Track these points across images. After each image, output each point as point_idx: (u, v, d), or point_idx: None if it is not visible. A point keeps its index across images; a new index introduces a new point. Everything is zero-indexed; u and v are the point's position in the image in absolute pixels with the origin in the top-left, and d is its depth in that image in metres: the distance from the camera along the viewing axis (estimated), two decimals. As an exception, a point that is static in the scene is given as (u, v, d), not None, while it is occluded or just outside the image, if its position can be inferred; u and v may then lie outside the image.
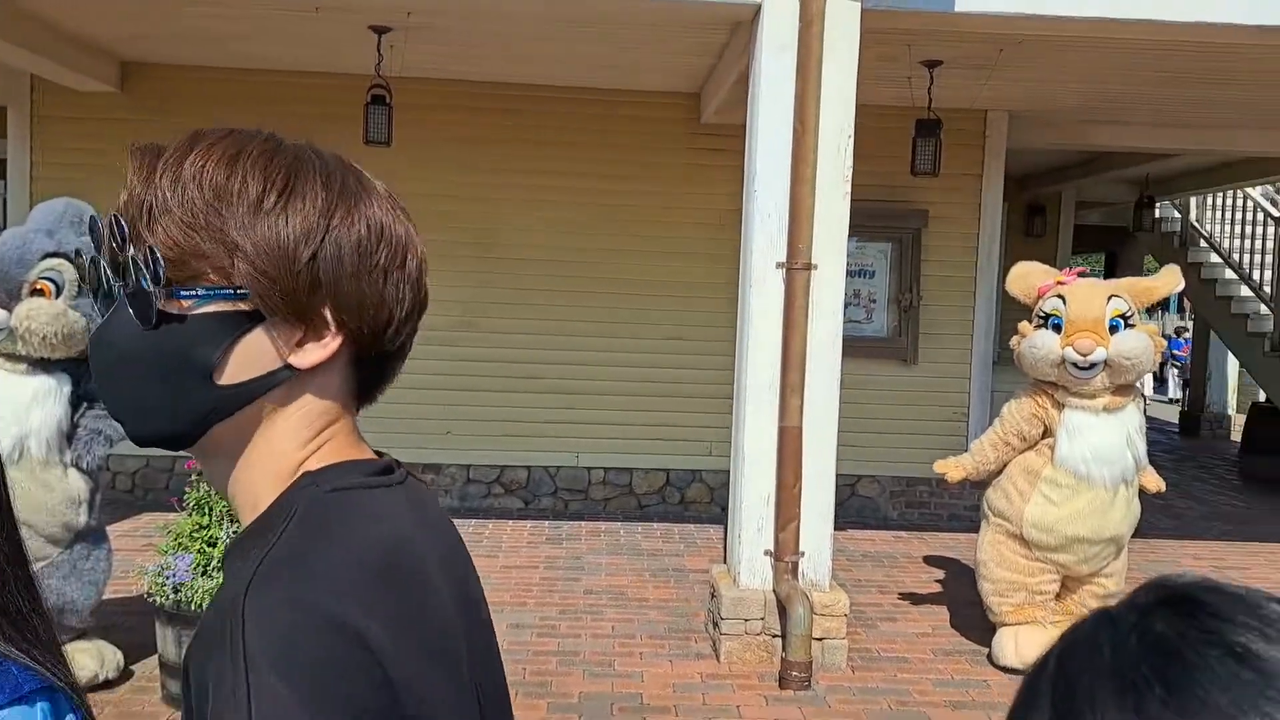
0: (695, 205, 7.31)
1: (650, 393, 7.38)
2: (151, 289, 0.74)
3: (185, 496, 4.02)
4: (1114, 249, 15.30)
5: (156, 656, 4.00)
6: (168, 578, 3.80)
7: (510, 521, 7.10)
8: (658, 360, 7.36)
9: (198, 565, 3.81)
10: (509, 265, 7.35)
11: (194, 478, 4.02)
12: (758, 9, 4.57)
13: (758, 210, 4.59)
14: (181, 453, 0.85)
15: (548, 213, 7.36)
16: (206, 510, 3.93)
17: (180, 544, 3.90)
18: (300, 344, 0.78)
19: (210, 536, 3.87)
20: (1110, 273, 15.22)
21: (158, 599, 3.83)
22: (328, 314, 0.78)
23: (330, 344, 0.79)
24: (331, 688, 0.69)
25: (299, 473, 0.80)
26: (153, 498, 7.13)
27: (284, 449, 0.80)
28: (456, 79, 7.18)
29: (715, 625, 4.73)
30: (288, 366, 0.78)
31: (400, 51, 6.26)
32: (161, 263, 0.74)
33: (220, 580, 3.69)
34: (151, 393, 0.77)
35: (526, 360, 7.35)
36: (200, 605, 3.72)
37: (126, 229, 0.76)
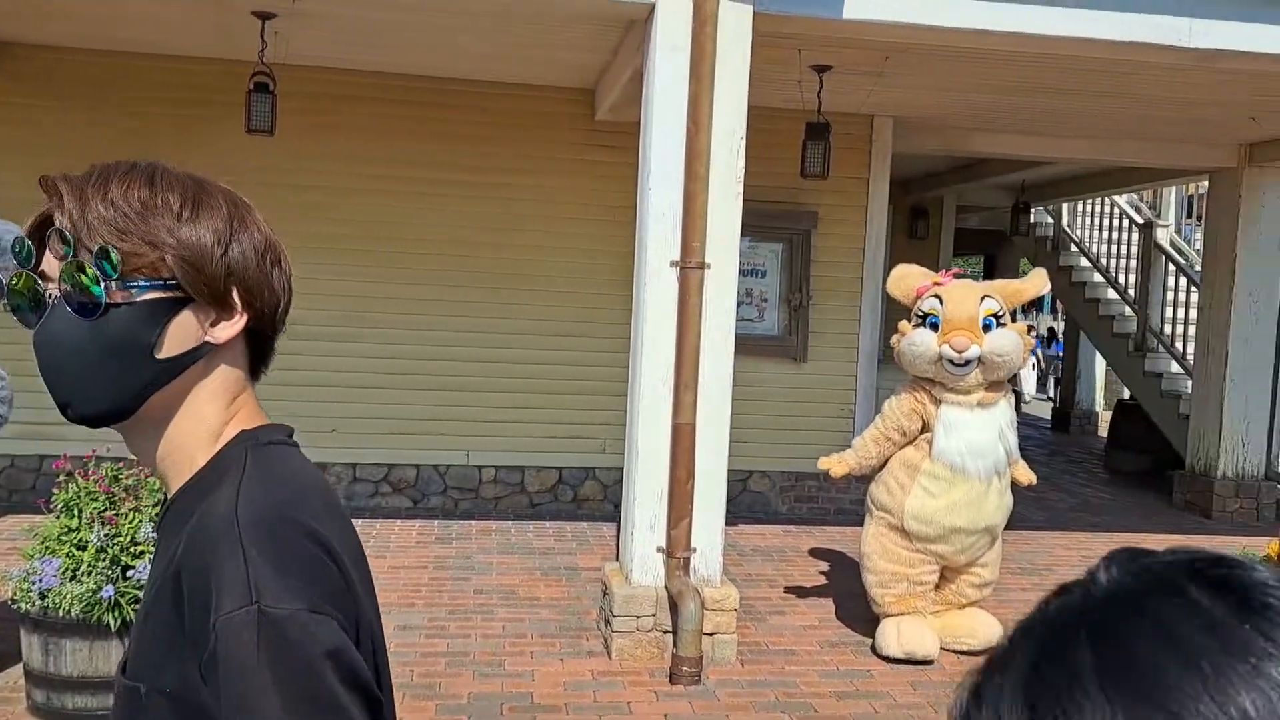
0: (589, 201, 7.31)
1: (542, 390, 7.34)
2: (105, 283, 0.92)
3: (53, 498, 3.82)
4: (993, 252, 15.93)
5: (21, 665, 3.80)
6: (34, 583, 3.61)
7: (398, 521, 6.98)
8: (550, 357, 7.34)
9: (66, 570, 3.63)
10: (397, 260, 7.21)
11: (61, 478, 3.82)
12: (651, 9, 4.59)
13: (652, 209, 4.61)
14: (111, 444, 1.02)
15: (437, 207, 7.25)
16: (76, 513, 3.74)
17: (48, 548, 3.70)
18: (215, 323, 0.98)
19: (80, 540, 3.69)
20: (989, 274, 15.83)
21: (22, 605, 3.64)
22: (236, 298, 0.98)
23: (239, 322, 0.99)
24: (315, 577, 0.89)
25: (227, 432, 1.00)
26: (18, 499, 6.76)
27: (208, 414, 1.00)
28: (344, 68, 7.01)
29: (607, 623, 4.73)
30: (208, 342, 0.98)
31: (285, 39, 6.08)
32: (117, 261, 0.93)
33: (89, 583, 3.53)
34: (101, 374, 0.95)
35: (415, 357, 7.23)
36: (69, 612, 3.54)
37: (73, 240, 0.93)
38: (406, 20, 5.75)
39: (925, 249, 12.04)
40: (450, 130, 7.24)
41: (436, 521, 7.02)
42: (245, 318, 0.99)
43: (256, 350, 1.05)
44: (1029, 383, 18.79)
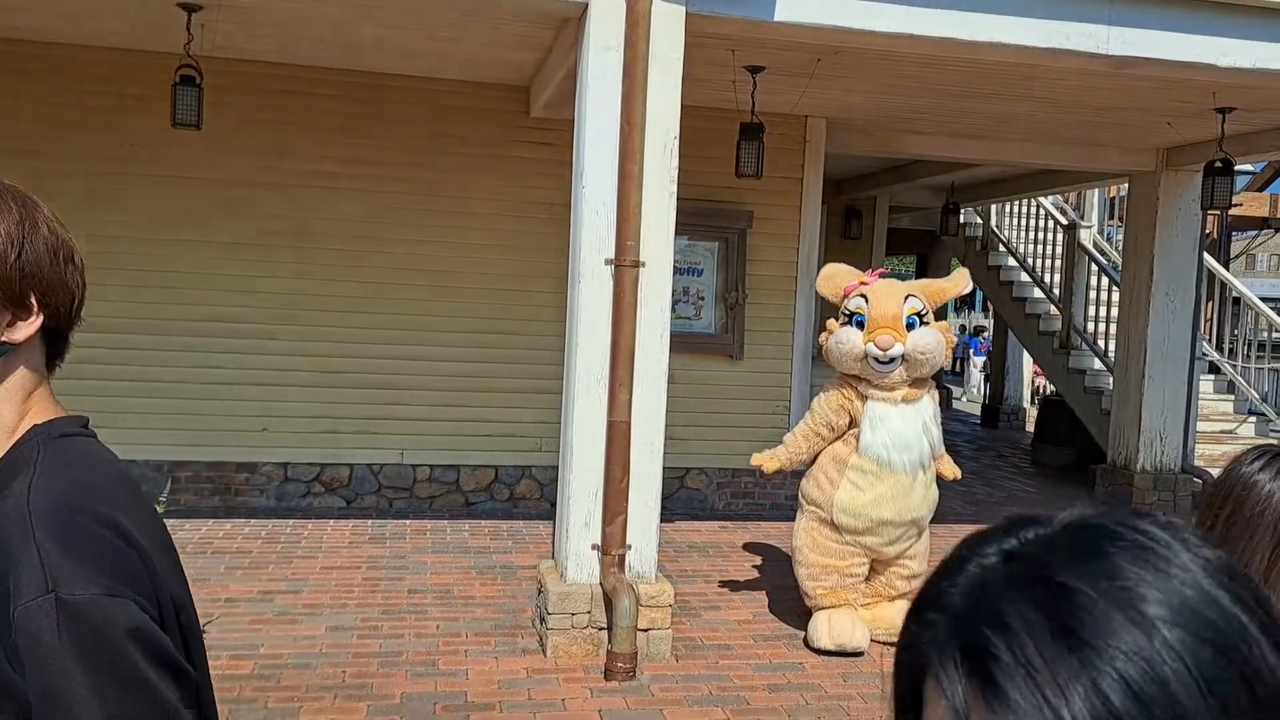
0: (524, 199, 7.29)
1: (478, 388, 7.31)
2: None
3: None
4: (925, 251, 16.23)
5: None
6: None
7: (331, 521, 6.89)
8: (486, 355, 7.31)
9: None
10: (328, 256, 7.12)
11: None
12: (584, 8, 4.60)
13: (586, 207, 4.62)
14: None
15: (371, 203, 7.17)
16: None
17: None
18: (12, 324, 1.00)
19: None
20: (922, 273, 16.13)
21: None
22: (33, 299, 1.00)
23: (35, 321, 1.01)
24: (110, 562, 0.92)
25: (21, 427, 1.02)
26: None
27: (5, 412, 1.01)
28: (274, 61, 6.89)
29: (542, 620, 4.74)
30: (5, 343, 0.99)
31: (212, 31, 5.97)
32: None
33: None
34: None
35: (348, 355, 7.15)
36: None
37: None
38: (335, 14, 5.68)
39: (859, 248, 12.23)
40: (384, 126, 7.16)
41: (370, 521, 6.95)
42: (41, 317, 1.01)
43: (52, 347, 1.07)
44: (974, 378, 19.20)
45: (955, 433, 13.48)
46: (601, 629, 4.61)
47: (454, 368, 7.29)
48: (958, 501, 8.51)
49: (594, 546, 4.64)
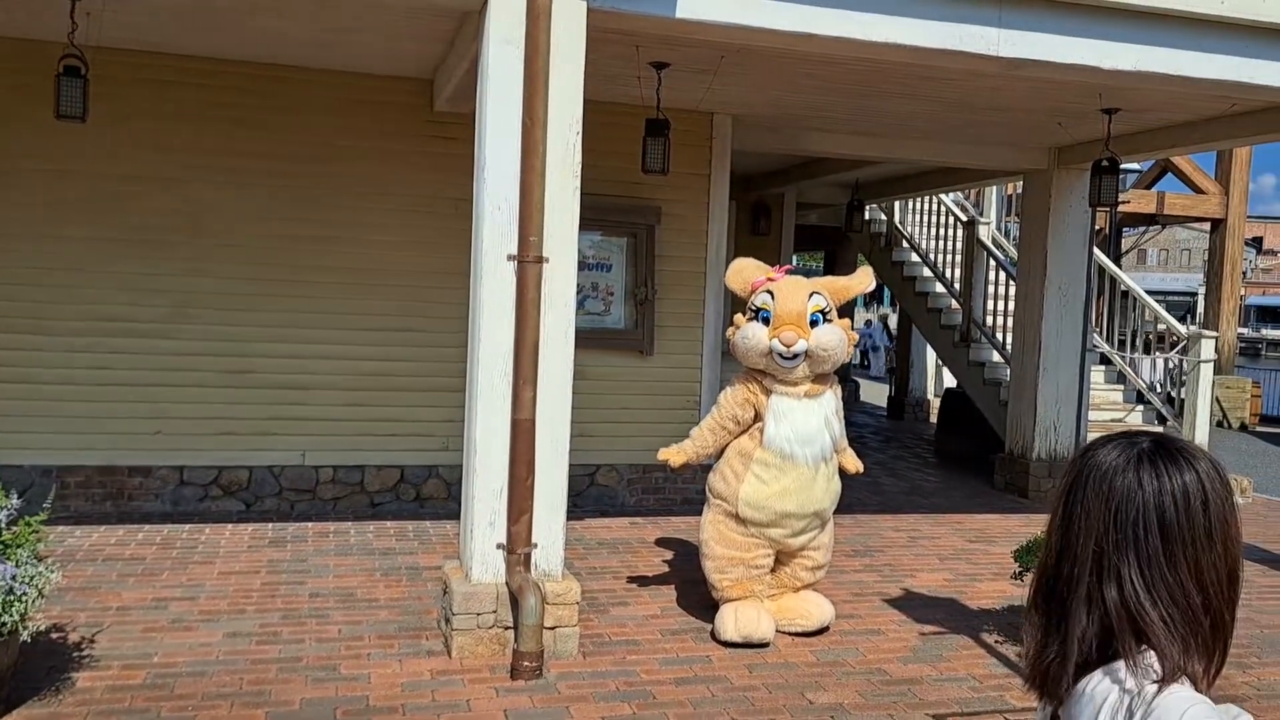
0: (428, 193, 7.19)
1: (381, 386, 7.19)
2: None
3: None
4: (833, 247, 16.49)
5: None
6: None
7: (230, 525, 6.70)
8: (389, 353, 7.19)
9: None
10: (225, 253, 6.92)
11: None
12: (484, 1, 4.55)
13: (488, 202, 4.58)
14: None
15: (267, 198, 6.99)
16: None
17: None
18: None
19: None
20: (830, 269, 16.39)
21: None
22: None
23: None
24: None
25: None
26: None
27: None
28: (165, 52, 6.67)
29: (447, 621, 4.68)
30: None
31: (98, 19, 5.74)
32: None
33: None
34: None
35: (245, 354, 6.96)
36: None
37: None
38: (223, 3, 5.51)
39: (767, 244, 12.39)
40: (284, 119, 6.99)
41: (271, 524, 6.78)
42: None
43: None
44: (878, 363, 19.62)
45: (862, 425, 13.76)
46: (508, 628, 4.57)
47: (358, 366, 7.15)
48: (864, 492, 8.68)
49: (499, 546, 4.60)
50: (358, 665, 4.47)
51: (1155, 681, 1.22)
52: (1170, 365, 10.31)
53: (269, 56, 6.74)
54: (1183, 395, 10.14)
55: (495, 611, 4.58)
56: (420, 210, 7.21)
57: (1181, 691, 1.21)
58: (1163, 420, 10.18)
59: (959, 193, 12.32)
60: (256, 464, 7.06)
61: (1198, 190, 16.17)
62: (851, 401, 16.42)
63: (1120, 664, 1.25)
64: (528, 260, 4.52)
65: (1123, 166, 8.61)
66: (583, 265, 7.65)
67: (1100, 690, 1.26)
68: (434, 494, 7.37)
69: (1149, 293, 11.48)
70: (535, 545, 4.61)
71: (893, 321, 20.67)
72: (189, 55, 6.72)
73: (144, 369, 6.76)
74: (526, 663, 4.37)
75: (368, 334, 7.16)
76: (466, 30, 5.37)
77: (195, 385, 6.88)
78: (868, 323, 26.93)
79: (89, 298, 6.68)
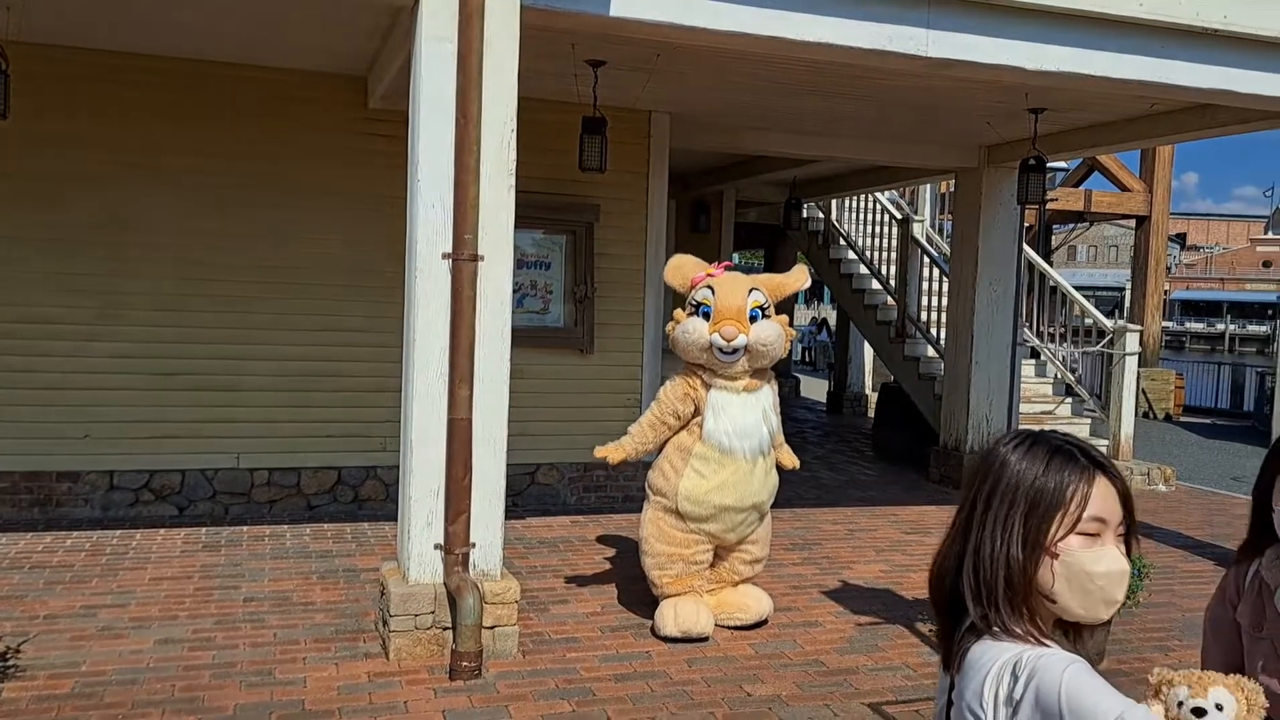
0: (363, 191, 7.11)
1: (318, 387, 7.10)
2: None
3: None
4: (772, 245, 16.65)
5: None
6: None
7: (162, 530, 6.57)
8: (326, 353, 7.10)
9: None
10: (155, 252, 6.78)
11: None
12: (417, -2, 4.52)
13: (421, 201, 4.55)
14: None
15: (198, 196, 6.86)
16: None
17: None
18: None
19: None
20: (770, 266, 16.54)
21: None
22: None
23: None
24: None
25: None
26: None
27: None
28: (91, 48, 6.51)
29: (385, 623, 4.64)
30: None
31: (20, 13, 5.59)
32: None
33: None
34: None
35: (176, 355, 6.82)
36: None
37: None
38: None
39: (707, 242, 12.47)
40: (216, 117, 6.87)
41: (205, 529, 6.66)
42: None
43: None
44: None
45: (802, 420, 13.92)
46: (446, 629, 4.55)
47: (293, 366, 7.05)
48: (804, 486, 8.79)
49: (437, 546, 4.58)
50: (293, 669, 4.42)
51: (1031, 644, 1.31)
52: (1097, 358, 10.59)
53: (197, 52, 6.61)
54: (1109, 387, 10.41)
55: (433, 612, 4.56)
56: (356, 208, 7.13)
57: (1059, 652, 1.30)
58: (1090, 412, 10.46)
59: (894, 191, 12.52)
60: (189, 467, 6.93)
61: (1123, 188, 16.61)
62: (792, 397, 16.60)
63: (1001, 632, 1.35)
64: (463, 259, 4.50)
65: (1051, 165, 8.83)
66: (521, 263, 7.64)
67: (987, 658, 1.34)
68: (372, 495, 7.30)
69: (1079, 288, 11.78)
70: (473, 545, 4.59)
71: (834, 319, 20.98)
72: (115, 51, 6.56)
73: (71, 371, 6.60)
74: (465, 663, 4.36)
75: (303, 334, 7.06)
76: (400, 27, 5.33)
77: (124, 388, 6.73)
78: (817, 325, 27.38)
79: (13, 299, 6.50)
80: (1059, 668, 1.26)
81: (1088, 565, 1.35)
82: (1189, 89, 5.75)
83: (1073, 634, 1.43)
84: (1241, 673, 1.86)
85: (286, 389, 7.04)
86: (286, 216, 7.03)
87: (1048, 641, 1.34)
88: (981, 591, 1.37)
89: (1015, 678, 1.28)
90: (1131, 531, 1.41)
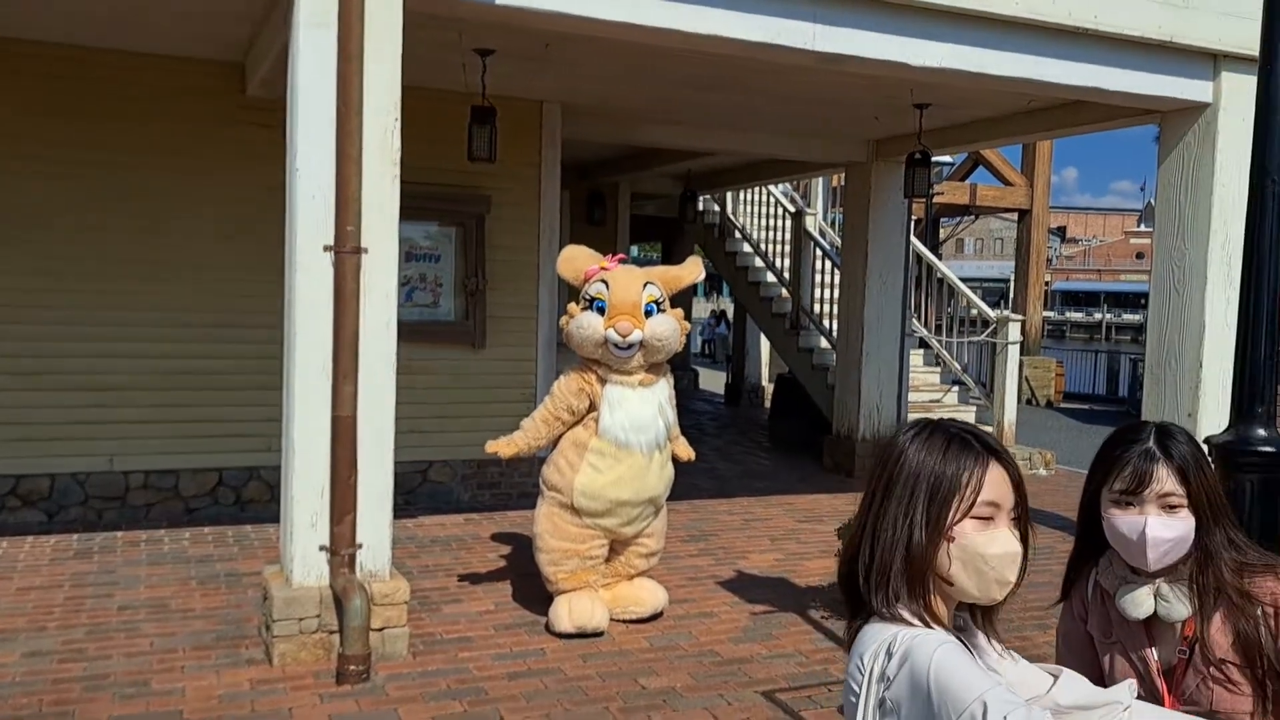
0: (242, 182, 6.85)
1: (197, 385, 6.82)
2: None
3: None
4: (670, 238, 16.71)
5: None
6: None
7: (30, 538, 6.23)
8: (205, 350, 6.82)
9: None
10: (20, 246, 6.42)
11: None
12: (294, -20, 4.36)
13: (301, 192, 4.40)
14: None
15: (64, 188, 6.52)
16: None
17: None
18: None
19: None
20: (668, 259, 16.61)
21: None
22: None
23: None
24: None
25: None
26: None
27: None
28: (-59, 26, 6.11)
29: (268, 628, 4.49)
30: None
31: None
32: None
33: None
34: None
35: (43, 354, 6.47)
36: None
37: None
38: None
39: (603, 234, 12.44)
40: (86, 104, 6.53)
41: (76, 535, 6.34)
42: None
43: None
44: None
45: (700, 412, 14.02)
46: (333, 632, 4.42)
47: (170, 364, 6.76)
48: (701, 478, 8.83)
49: (322, 547, 4.44)
50: (171, 679, 4.24)
51: (906, 623, 1.36)
52: (983, 347, 10.93)
53: (68, 37, 6.27)
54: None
55: (319, 615, 4.43)
56: (235, 200, 6.87)
57: (935, 633, 1.35)
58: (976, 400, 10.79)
59: (788, 184, 12.69)
60: (59, 471, 6.58)
61: (1006, 182, 17.20)
62: (691, 390, 16.71)
63: (890, 616, 1.40)
64: (345, 251, 4.37)
65: (936, 159, 9.08)
66: (410, 256, 7.48)
67: (870, 637, 1.40)
68: (256, 496, 7.05)
69: (968, 279, 12.15)
70: (360, 545, 4.47)
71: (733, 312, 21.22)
72: (-32, 30, 6.18)
73: (-76, 372, 6.21)
74: (352, 666, 4.24)
75: (180, 330, 6.77)
76: (277, 12, 5.13)
77: (-15, 388, 6.36)
78: (716, 317, 27.68)
79: None
80: (930, 648, 1.30)
81: (982, 548, 1.39)
82: (1063, 86, 5.95)
83: (979, 616, 1.49)
84: (1100, 683, 1.93)
85: (163, 387, 6.75)
86: (162, 208, 6.73)
87: (934, 626, 1.38)
88: (874, 575, 1.41)
89: (890, 655, 1.33)
90: (1024, 516, 1.45)
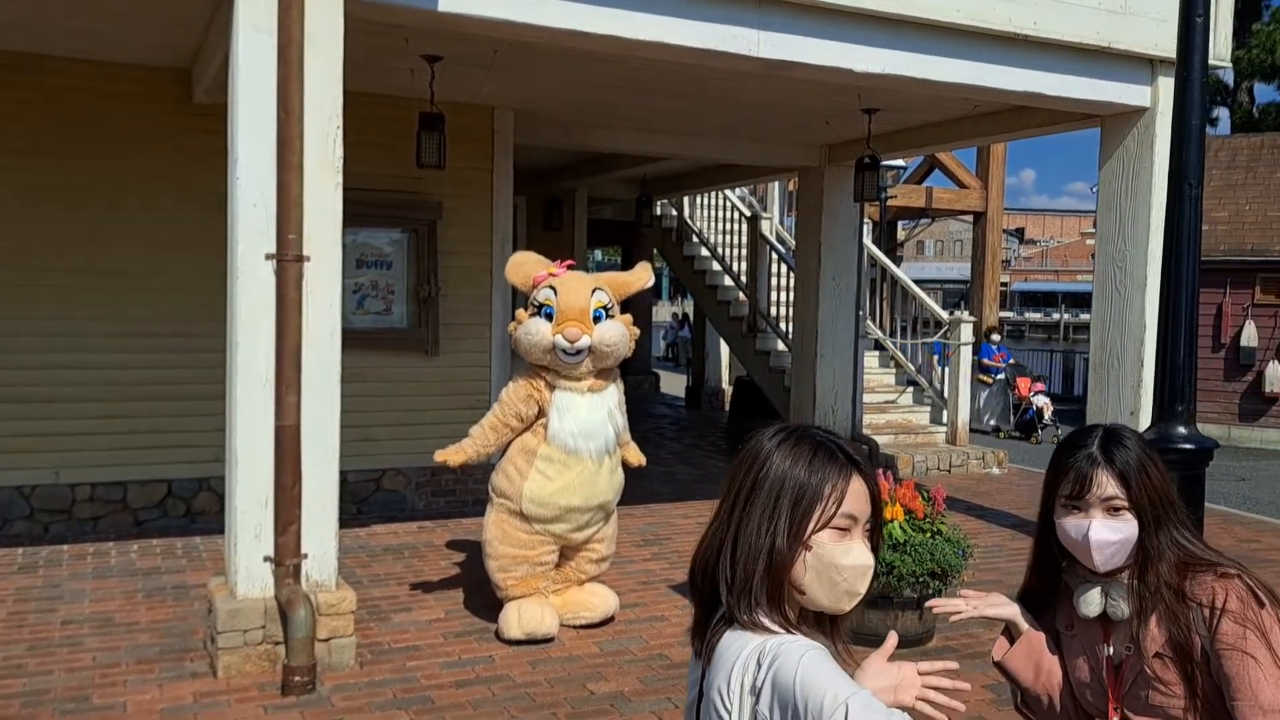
0: (187, 190, 6.77)
1: (144, 396, 6.73)
2: None
3: None
4: (628, 242, 16.75)
5: None
6: None
7: (-28, 553, 6.13)
8: (151, 360, 6.74)
9: None
10: (-44, 256, 6.31)
11: None
12: (233, -14, 4.33)
13: (243, 199, 4.37)
14: None
15: (12, 196, 6.42)
16: None
17: None
18: None
19: None
20: (627, 264, 16.63)
21: None
22: None
23: None
24: None
25: None
26: None
27: None
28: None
29: (213, 640, 4.44)
30: None
31: None
32: None
33: None
34: None
35: (-18, 366, 6.36)
36: None
37: None
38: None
39: (560, 239, 12.42)
40: (28, 111, 6.44)
41: (21, 549, 6.24)
42: None
43: None
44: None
45: (660, 415, 14.04)
46: (278, 644, 4.38)
47: (115, 375, 6.67)
48: (658, 482, 8.85)
49: (266, 559, 4.41)
50: (112, 693, 4.18)
51: (768, 630, 1.35)
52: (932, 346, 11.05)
53: (14, 44, 6.18)
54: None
55: (264, 627, 4.39)
56: (180, 208, 6.79)
57: (799, 639, 1.34)
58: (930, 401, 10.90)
59: (744, 188, 12.75)
60: (2, 484, 6.47)
61: (961, 185, 17.39)
62: (652, 393, 16.75)
63: (750, 622, 1.38)
64: (287, 259, 4.34)
65: (891, 163, 9.17)
66: (361, 263, 7.44)
67: (734, 648, 1.37)
68: (206, 508, 6.97)
69: (929, 281, 12.33)
70: (305, 556, 4.44)
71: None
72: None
73: None
74: (298, 677, 4.21)
75: (126, 340, 6.68)
76: (220, 17, 5.09)
77: (-76, 401, 6.24)
78: (679, 320, 27.75)
79: None
80: (796, 655, 1.29)
81: (838, 559, 1.39)
82: (1005, 91, 6.04)
83: (828, 624, 1.47)
84: (1064, 676, 2.01)
85: (109, 398, 6.65)
86: (107, 216, 6.65)
87: (795, 632, 1.37)
88: (737, 582, 1.39)
89: (759, 665, 1.32)
90: (878, 530, 1.46)
